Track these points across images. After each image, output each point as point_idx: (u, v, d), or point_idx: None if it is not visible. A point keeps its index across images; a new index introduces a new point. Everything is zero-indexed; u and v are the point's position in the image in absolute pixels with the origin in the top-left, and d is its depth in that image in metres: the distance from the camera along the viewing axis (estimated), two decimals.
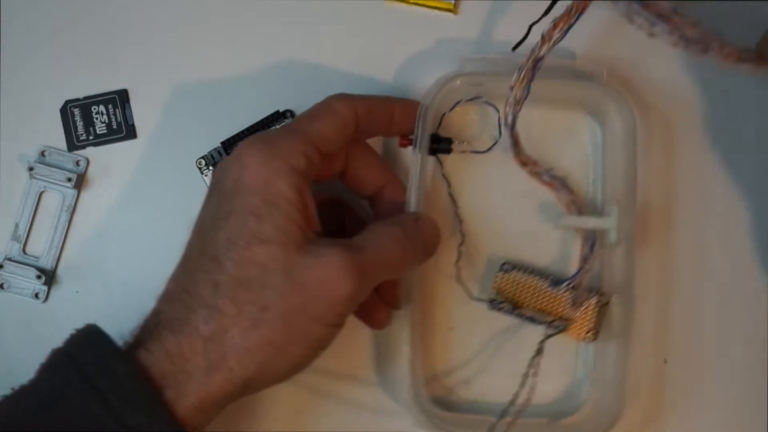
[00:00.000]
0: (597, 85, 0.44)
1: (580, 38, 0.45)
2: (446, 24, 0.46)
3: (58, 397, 0.33)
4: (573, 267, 0.44)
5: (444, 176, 0.45)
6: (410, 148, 0.42)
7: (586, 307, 0.44)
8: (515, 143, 0.41)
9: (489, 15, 0.46)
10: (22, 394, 0.34)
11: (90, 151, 0.45)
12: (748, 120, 0.46)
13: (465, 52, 0.44)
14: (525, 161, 0.41)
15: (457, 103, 0.44)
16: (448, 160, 0.45)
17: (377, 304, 0.42)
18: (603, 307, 0.44)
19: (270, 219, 0.35)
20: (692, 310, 0.45)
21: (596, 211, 0.45)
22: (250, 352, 0.34)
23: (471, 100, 0.44)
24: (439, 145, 0.44)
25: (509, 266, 0.44)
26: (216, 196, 0.37)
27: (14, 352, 0.44)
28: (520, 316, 0.44)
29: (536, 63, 0.39)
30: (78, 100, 0.45)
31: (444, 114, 0.44)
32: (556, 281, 0.44)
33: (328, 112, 0.39)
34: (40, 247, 0.44)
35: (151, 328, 0.35)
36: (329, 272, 0.35)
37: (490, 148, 0.45)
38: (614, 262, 0.44)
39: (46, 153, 0.44)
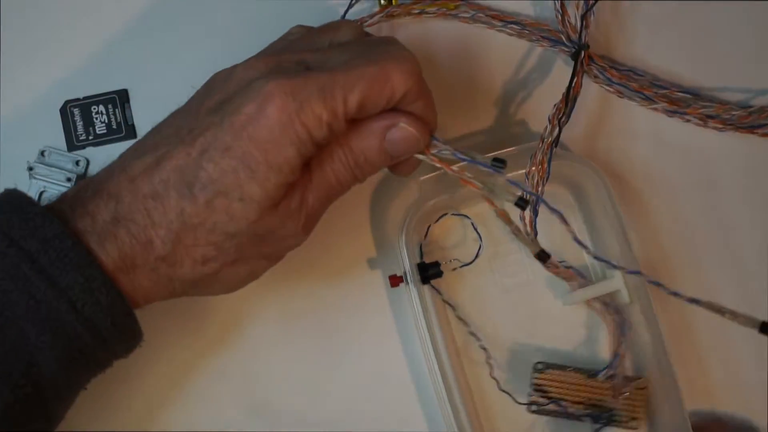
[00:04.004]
0: (568, 155, 0.44)
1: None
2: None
3: None
4: (602, 341, 0.44)
5: (446, 302, 0.44)
6: (403, 285, 0.42)
7: (627, 394, 0.43)
8: (534, 234, 0.40)
9: None
10: None
11: (90, 151, 0.45)
12: (714, 166, 0.45)
13: None
14: (539, 255, 0.40)
15: (428, 227, 0.44)
16: (443, 281, 0.44)
17: None
18: (643, 391, 0.43)
19: (261, 182, 0.33)
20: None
21: (599, 278, 0.45)
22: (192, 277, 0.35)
23: (438, 221, 0.44)
24: (429, 272, 0.43)
25: (543, 365, 0.43)
26: (220, 117, 0.34)
27: None
28: (564, 414, 0.43)
29: (551, 147, 0.40)
30: (78, 100, 0.44)
31: (420, 243, 0.44)
32: (593, 372, 0.43)
33: (383, 85, 0.34)
34: None
35: (86, 197, 0.34)
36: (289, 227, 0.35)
37: (477, 256, 0.44)
38: (640, 339, 0.43)
39: (45, 153, 0.44)
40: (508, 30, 0.43)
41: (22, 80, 0.45)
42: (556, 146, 0.40)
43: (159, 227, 0.34)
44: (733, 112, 0.43)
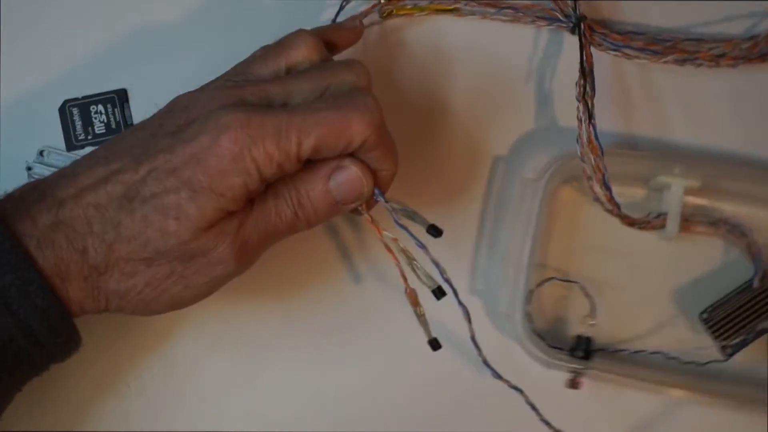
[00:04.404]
0: None
1: None
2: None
3: None
4: (732, 255, 0.45)
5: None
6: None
7: None
8: (617, 207, 0.42)
9: None
10: None
11: (89, 151, 0.45)
12: None
13: None
14: (631, 221, 0.43)
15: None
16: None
17: None
18: None
19: (201, 203, 0.34)
20: None
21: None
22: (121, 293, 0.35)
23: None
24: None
25: (706, 313, 0.44)
26: (175, 142, 0.35)
27: None
28: (755, 335, 0.43)
29: (590, 124, 0.41)
30: (77, 99, 0.45)
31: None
32: (746, 284, 0.44)
33: (341, 133, 0.35)
34: None
35: (31, 200, 0.34)
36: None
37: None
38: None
39: (44, 153, 0.44)
40: (502, 16, 0.44)
41: (21, 80, 0.45)
42: (593, 119, 0.40)
43: (95, 236, 0.34)
44: (743, 46, 0.43)
